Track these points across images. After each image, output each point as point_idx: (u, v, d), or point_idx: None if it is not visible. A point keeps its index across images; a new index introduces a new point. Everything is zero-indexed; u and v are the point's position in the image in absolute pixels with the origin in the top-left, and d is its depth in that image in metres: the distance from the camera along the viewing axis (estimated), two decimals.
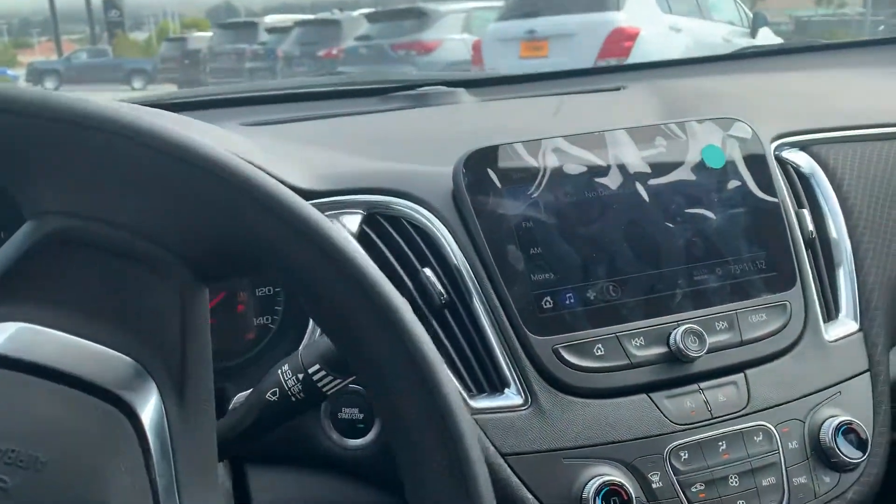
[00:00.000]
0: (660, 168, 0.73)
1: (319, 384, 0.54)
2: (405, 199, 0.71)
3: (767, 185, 0.76)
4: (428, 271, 0.67)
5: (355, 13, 9.34)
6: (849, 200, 0.81)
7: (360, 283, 0.37)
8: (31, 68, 16.39)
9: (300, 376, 0.54)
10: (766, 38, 6.07)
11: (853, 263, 0.78)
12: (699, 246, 0.72)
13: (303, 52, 9.53)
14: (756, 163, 0.76)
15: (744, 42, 5.95)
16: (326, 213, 0.70)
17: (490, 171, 0.69)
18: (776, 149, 0.84)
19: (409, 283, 0.68)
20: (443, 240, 0.69)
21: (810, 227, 0.77)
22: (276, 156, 0.75)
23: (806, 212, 0.78)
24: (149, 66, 16.10)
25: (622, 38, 5.53)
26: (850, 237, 0.79)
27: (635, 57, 5.48)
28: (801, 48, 1.33)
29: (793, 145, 0.86)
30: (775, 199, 0.75)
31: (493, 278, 0.66)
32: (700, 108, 0.97)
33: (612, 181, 0.72)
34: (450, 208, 0.70)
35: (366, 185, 0.72)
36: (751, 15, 6.05)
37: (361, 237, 0.70)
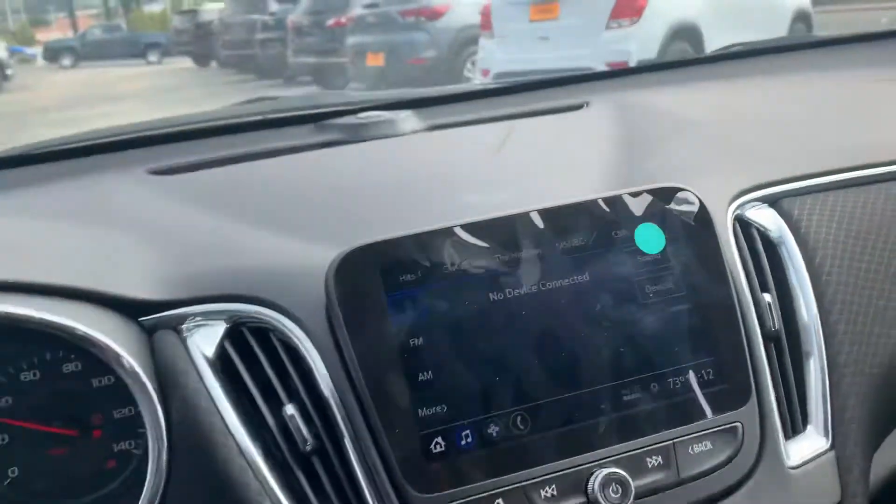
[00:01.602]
0: (582, 259, 0.61)
1: None
2: (273, 309, 0.59)
3: (717, 270, 0.63)
4: (291, 409, 0.56)
5: None
6: (823, 275, 0.68)
7: None
8: (47, 46, 16.45)
9: None
10: None
11: (825, 359, 0.65)
12: (629, 357, 0.59)
13: (312, 21, 9.38)
14: (704, 243, 0.63)
15: None
16: (179, 327, 0.59)
17: (369, 277, 0.57)
18: (740, 207, 0.71)
19: (271, 422, 0.57)
20: (312, 364, 0.57)
21: (774, 317, 0.64)
22: (120, 253, 0.64)
23: (768, 297, 0.65)
24: (164, 39, 16.07)
25: None
26: (823, 324, 0.66)
27: (650, 15, 5.23)
28: (787, 46, 1.17)
29: (759, 201, 0.72)
30: (727, 289, 0.62)
31: (368, 417, 0.55)
32: (661, 143, 0.84)
33: (523, 280, 0.59)
34: (322, 324, 0.58)
35: (226, 292, 0.60)
36: None
37: (221, 358, 0.59)
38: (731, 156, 0.79)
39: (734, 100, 0.98)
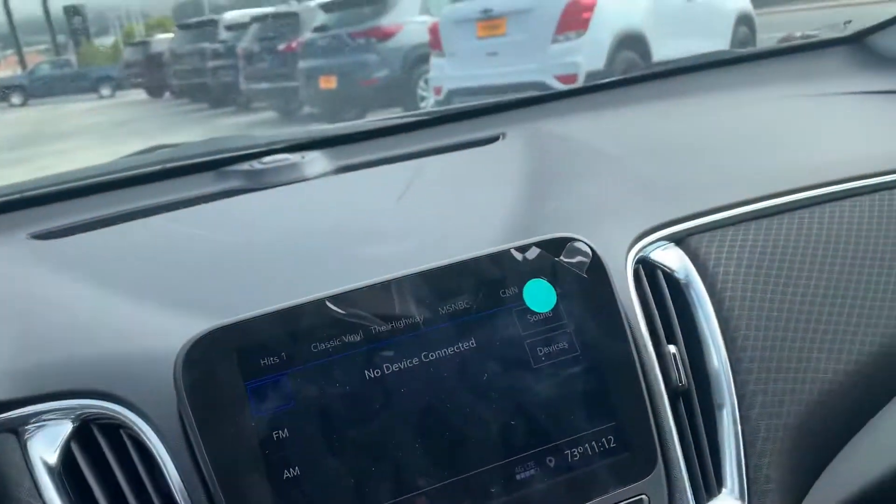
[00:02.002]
0: (467, 324, 0.56)
1: None
2: (122, 404, 0.53)
3: (614, 325, 0.58)
4: None
5: (312, 3, 9.07)
6: (732, 318, 0.63)
7: None
8: None
9: None
10: None
11: (738, 413, 0.60)
12: (521, 430, 0.54)
13: (262, 47, 9.37)
14: (598, 296, 0.59)
15: (705, 0, 5.73)
16: (20, 429, 0.53)
17: (224, 365, 0.51)
18: (643, 248, 0.66)
19: None
20: (164, 466, 0.51)
21: (680, 370, 0.60)
22: None
23: (674, 349, 0.61)
24: (115, 72, 15.93)
25: (580, 10, 5.31)
26: (734, 373, 0.61)
27: (595, 27, 5.26)
28: (708, 64, 1.14)
29: (666, 239, 0.68)
30: (625, 345, 0.58)
31: None
32: (570, 180, 0.80)
33: (402, 353, 0.54)
34: (173, 419, 0.52)
35: (73, 387, 0.54)
36: None
37: (66, 462, 0.53)
38: (638, 192, 0.75)
39: (647, 127, 0.94)
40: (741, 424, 0.60)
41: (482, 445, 0.53)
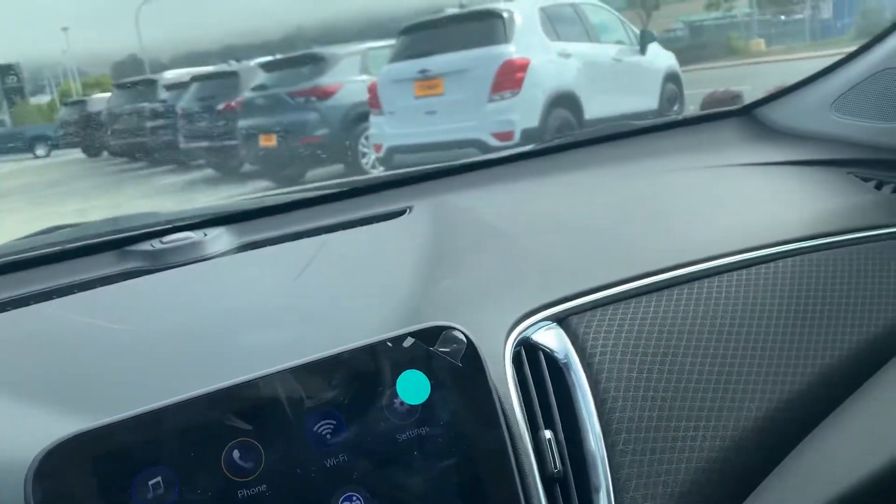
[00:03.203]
0: (338, 418, 0.55)
1: None
2: None
3: (487, 413, 0.59)
4: None
5: (252, 62, 9.12)
6: (608, 400, 0.65)
7: None
8: None
9: None
10: (656, 52, 6.11)
11: (612, 497, 0.61)
12: None
13: (202, 106, 9.35)
14: (472, 385, 0.59)
15: (634, 59, 5.97)
16: None
17: (78, 476, 0.49)
18: (525, 329, 0.67)
19: None
20: None
21: (555, 457, 0.60)
22: None
23: (549, 434, 0.61)
24: (50, 131, 15.65)
25: (513, 70, 5.47)
26: (609, 457, 0.62)
27: (528, 86, 5.41)
28: (605, 137, 1.18)
29: (548, 319, 0.69)
30: (499, 433, 0.58)
31: None
32: (462, 259, 0.81)
33: (267, 454, 0.53)
34: None
35: None
36: (638, 33, 6.06)
37: None
38: (524, 270, 0.77)
39: (541, 202, 0.97)
40: None
41: None
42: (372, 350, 0.58)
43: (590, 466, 0.62)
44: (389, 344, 0.59)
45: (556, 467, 0.60)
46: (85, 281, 0.87)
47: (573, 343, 0.68)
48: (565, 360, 0.67)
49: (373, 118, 6.46)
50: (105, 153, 12.26)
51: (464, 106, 5.63)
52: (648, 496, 0.62)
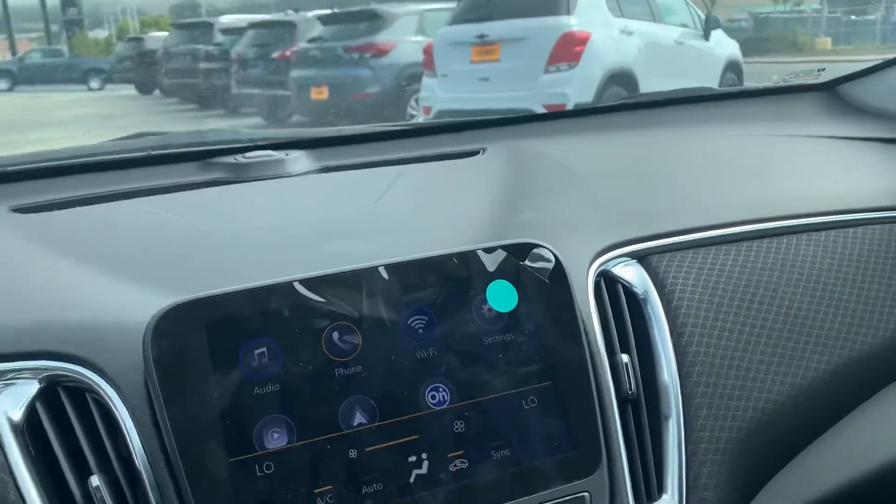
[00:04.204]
0: (430, 315, 0.58)
1: None
2: (91, 368, 0.55)
3: (571, 330, 0.61)
4: (96, 480, 0.51)
5: (310, 14, 9.12)
6: (685, 334, 0.66)
7: None
8: None
9: None
10: (720, 39, 5.98)
11: (682, 424, 0.63)
12: (473, 422, 0.56)
13: (256, 53, 9.36)
14: (558, 301, 0.61)
15: (696, 44, 5.86)
16: None
17: (191, 337, 0.53)
18: (605, 263, 0.69)
19: (77, 494, 0.52)
20: (126, 432, 0.53)
21: (631, 379, 0.62)
22: None
23: (626, 358, 0.63)
24: (106, 65, 15.81)
25: (573, 43, 5.40)
26: (682, 386, 0.64)
27: (587, 60, 5.35)
28: (686, 98, 1.18)
29: (628, 256, 0.71)
30: (580, 350, 0.60)
31: (181, 492, 0.50)
32: (542, 195, 0.83)
33: (364, 339, 0.56)
34: (139, 387, 0.54)
35: (42, 348, 0.55)
36: (704, 17, 5.94)
37: (31, 421, 0.54)
38: (604, 210, 0.78)
39: (619, 153, 0.98)
40: (685, 435, 0.63)
41: (433, 433, 0.55)
42: (465, 257, 0.61)
43: (662, 394, 0.64)
44: (482, 253, 0.61)
45: (631, 389, 0.63)
46: (171, 185, 0.91)
47: (653, 280, 0.69)
48: (644, 295, 0.69)
49: (425, 80, 6.42)
50: (157, 92, 12.39)
51: (519, 75, 5.58)
52: (717, 427, 0.63)
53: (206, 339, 0.53)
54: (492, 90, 5.73)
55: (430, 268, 0.60)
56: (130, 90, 13.10)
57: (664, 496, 0.62)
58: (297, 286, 0.56)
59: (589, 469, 0.57)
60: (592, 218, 0.76)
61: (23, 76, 15.20)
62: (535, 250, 0.62)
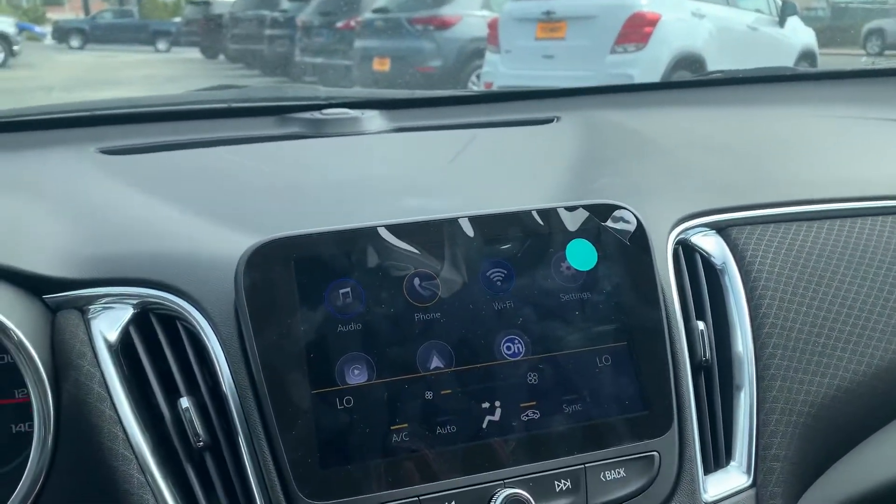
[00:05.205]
0: (509, 269, 0.59)
1: None
2: (183, 297, 0.57)
3: (649, 293, 0.61)
4: (186, 402, 0.54)
5: None
6: (762, 307, 0.66)
7: None
8: (56, 26, 16.47)
9: None
10: (795, 27, 5.78)
11: (755, 394, 0.63)
12: (546, 374, 0.57)
13: (322, 21, 9.40)
14: (638, 264, 0.61)
15: (771, 30, 5.68)
16: (85, 308, 0.57)
17: (281, 272, 0.55)
18: (684, 231, 0.69)
19: (167, 414, 0.54)
20: (215, 358, 0.55)
21: (706, 346, 0.62)
22: (34, 227, 0.61)
23: (702, 326, 0.63)
24: (173, 28, 16.09)
25: (642, 24, 5.29)
26: (757, 358, 0.64)
27: (655, 43, 5.24)
28: (763, 78, 1.16)
29: (707, 226, 0.70)
30: (657, 313, 0.60)
31: (266, 418, 0.53)
32: (619, 162, 0.83)
33: (444, 286, 0.57)
34: (229, 317, 0.56)
35: (138, 276, 0.58)
36: (780, 3, 5.74)
37: (124, 344, 0.57)
38: (685, 180, 0.78)
39: (700, 126, 0.97)
40: (757, 405, 0.62)
41: (507, 381, 0.56)
42: (547, 214, 0.61)
43: (735, 363, 0.64)
44: (564, 211, 0.62)
45: (705, 357, 0.63)
46: (251, 137, 0.93)
47: (732, 251, 0.69)
48: (722, 266, 0.68)
49: (488, 55, 6.37)
50: (221, 56, 12.57)
51: (584, 54, 5.49)
52: (790, 401, 0.63)
53: (295, 276, 0.55)
54: (555, 68, 5.65)
55: (511, 222, 0.60)
56: (196, 53, 13.32)
57: (732, 463, 0.62)
58: (383, 231, 0.58)
59: (660, 430, 0.58)
60: (673, 186, 0.75)
61: (94, 35, 15.58)
62: (616, 212, 0.62)
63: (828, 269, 0.71)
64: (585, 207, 0.62)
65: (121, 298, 0.58)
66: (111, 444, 0.53)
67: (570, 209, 0.61)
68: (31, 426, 0.59)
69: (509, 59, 6.00)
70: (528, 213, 0.61)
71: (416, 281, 0.57)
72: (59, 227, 0.63)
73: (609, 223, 0.62)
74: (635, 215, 0.62)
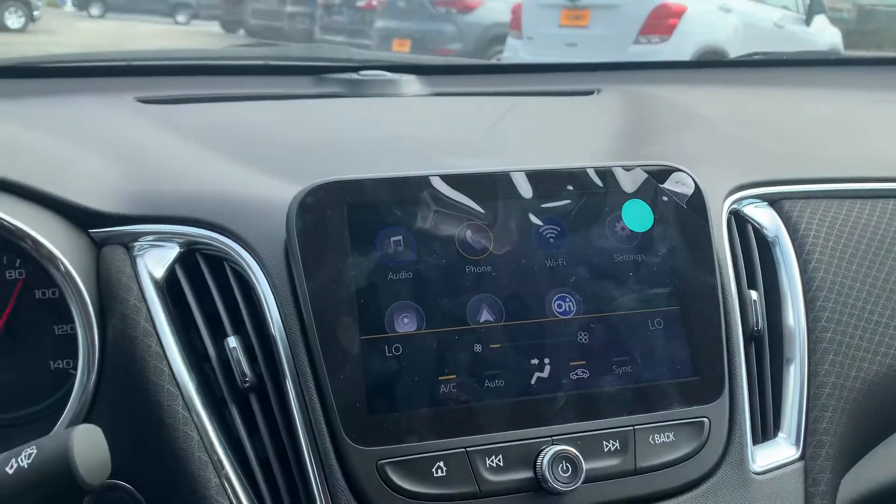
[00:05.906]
0: (563, 226, 0.57)
1: None
2: (231, 237, 0.56)
3: (705, 258, 0.59)
4: (233, 341, 0.53)
5: None
6: (815, 280, 0.64)
7: None
8: None
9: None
10: (822, 27, 5.72)
11: (806, 367, 0.61)
12: (598, 334, 0.56)
13: (343, 1, 9.36)
14: (694, 228, 0.60)
15: (797, 29, 5.62)
16: (131, 245, 0.56)
17: (333, 215, 0.53)
18: (736, 202, 0.67)
19: (213, 352, 0.53)
20: (264, 299, 0.54)
21: (758, 316, 0.61)
22: (82, 164, 0.60)
23: (755, 295, 0.62)
24: (194, 1, 16.03)
25: (667, 15, 5.24)
26: (809, 331, 0.62)
27: (679, 35, 5.19)
28: (807, 61, 1.14)
29: (759, 198, 0.69)
30: (712, 279, 0.59)
31: (314, 360, 0.52)
32: (666, 132, 0.81)
33: (496, 239, 0.56)
34: (279, 258, 0.55)
35: (184, 214, 0.57)
36: (808, 0, 5.68)
37: (170, 282, 0.56)
38: (736, 151, 0.76)
39: (746, 104, 0.95)
40: (808, 378, 0.61)
41: (558, 339, 0.55)
42: (603, 173, 0.60)
43: (787, 336, 0.63)
44: (621, 171, 0.60)
45: (757, 327, 0.61)
46: (289, 94, 0.92)
47: (785, 224, 0.67)
48: (774, 238, 0.67)
49: (510, 41, 6.32)
50: (241, 31, 12.53)
51: (606, 43, 5.44)
52: (842, 376, 0.62)
53: (347, 220, 0.54)
54: (577, 57, 5.60)
55: (567, 180, 0.59)
56: (216, 27, 13.28)
57: (781, 435, 0.60)
58: (436, 181, 0.56)
59: (711, 396, 0.56)
60: (724, 157, 0.73)
61: (115, 3, 15.54)
62: (674, 174, 0.61)
63: (882, 247, 0.69)
64: (643, 168, 0.60)
65: (167, 236, 0.57)
66: (157, 379, 0.52)
67: (628, 169, 0.60)
68: (70, 363, 0.59)
69: (531, 45, 5.95)
70: (584, 171, 0.59)
71: (468, 233, 0.56)
72: (105, 165, 0.62)
73: (667, 185, 0.60)
74: (694, 179, 0.61)
